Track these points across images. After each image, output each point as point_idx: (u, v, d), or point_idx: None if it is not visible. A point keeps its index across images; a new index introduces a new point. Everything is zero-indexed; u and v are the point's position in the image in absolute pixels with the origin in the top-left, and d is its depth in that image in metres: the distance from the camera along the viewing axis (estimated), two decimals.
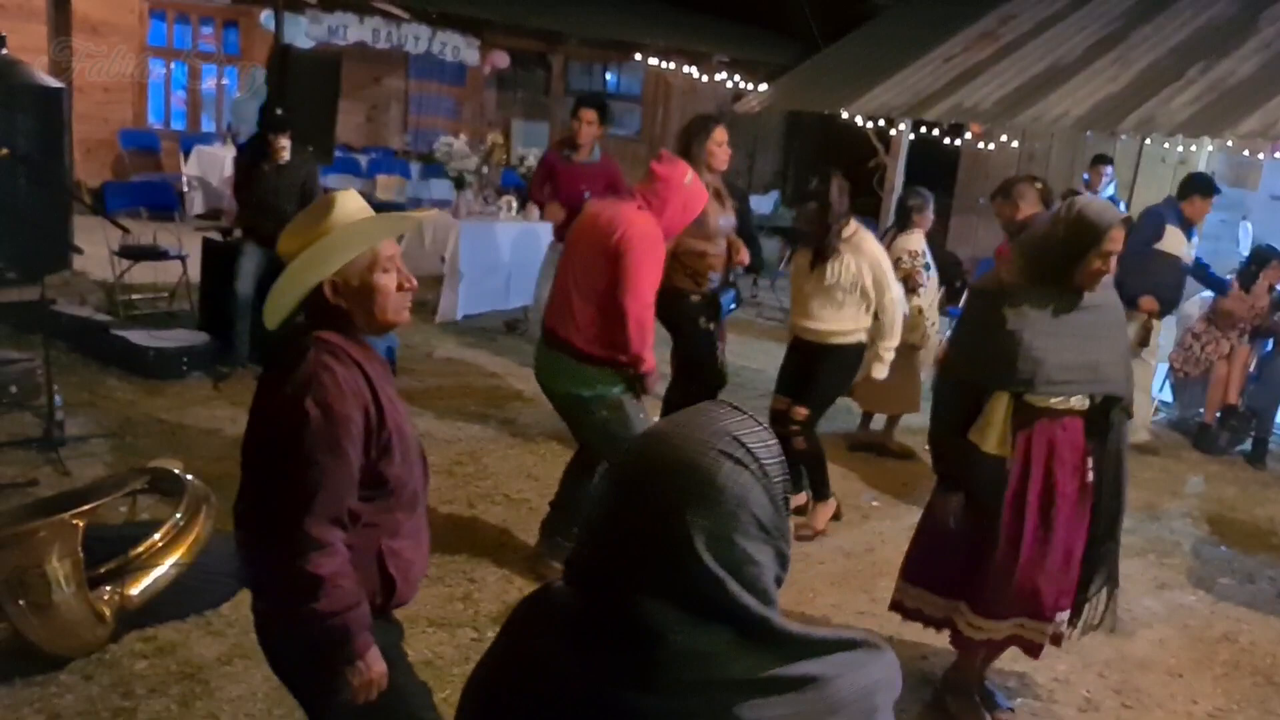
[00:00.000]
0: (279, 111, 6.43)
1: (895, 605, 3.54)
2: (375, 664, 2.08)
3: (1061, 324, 3.14)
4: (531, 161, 8.58)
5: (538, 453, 5.67)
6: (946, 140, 10.24)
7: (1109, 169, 8.63)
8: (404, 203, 10.85)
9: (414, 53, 11.54)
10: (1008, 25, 9.68)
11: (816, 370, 4.82)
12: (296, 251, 2.10)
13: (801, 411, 4.79)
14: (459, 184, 8.35)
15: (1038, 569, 3.22)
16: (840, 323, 4.76)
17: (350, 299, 2.10)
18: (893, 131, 9.57)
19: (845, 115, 9.28)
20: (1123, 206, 6.92)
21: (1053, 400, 3.18)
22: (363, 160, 11.90)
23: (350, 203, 2.16)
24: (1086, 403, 3.22)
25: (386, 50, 11.44)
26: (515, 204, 8.51)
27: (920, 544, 3.49)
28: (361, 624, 2.05)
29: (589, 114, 6.84)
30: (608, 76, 14.05)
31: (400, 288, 2.14)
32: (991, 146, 10.21)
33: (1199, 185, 6.74)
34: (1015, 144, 9.98)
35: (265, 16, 9.78)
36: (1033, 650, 3.34)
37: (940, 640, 3.57)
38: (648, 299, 3.84)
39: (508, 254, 8.34)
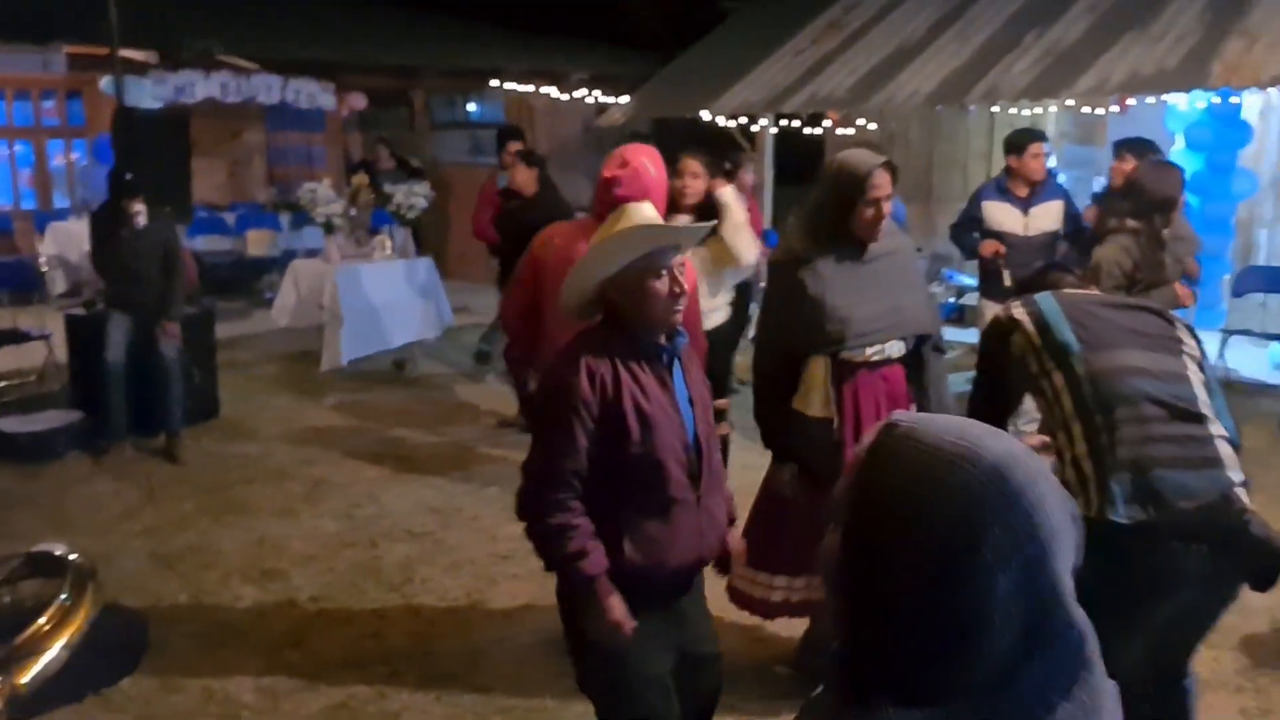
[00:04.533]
0: (128, 176, 6.25)
1: (731, 591, 3.47)
2: (614, 610, 2.33)
3: (857, 278, 3.17)
4: (401, 199, 8.51)
5: (436, 486, 5.60)
6: (808, 130, 10.46)
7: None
8: (277, 256, 10.64)
9: (268, 104, 11.34)
10: (852, 14, 9.96)
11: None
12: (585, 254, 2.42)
13: (723, 403, 4.77)
14: (328, 229, 8.22)
15: None
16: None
17: (627, 298, 2.36)
18: (754, 127, 9.75)
19: (708, 116, 9.42)
20: (1081, 183, 6.42)
21: (869, 352, 3.21)
22: (229, 218, 11.64)
23: (638, 214, 2.44)
24: (902, 348, 3.27)
25: (239, 104, 11.22)
26: (390, 243, 8.42)
27: (760, 525, 3.41)
28: (595, 571, 2.31)
29: (514, 146, 7.09)
30: (470, 106, 14.02)
31: (672, 293, 2.36)
32: (851, 131, 10.46)
33: (1007, 145, 6.07)
34: (874, 126, 10.23)
35: (105, 83, 9.50)
36: None
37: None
38: None
39: (387, 293, 8.22)
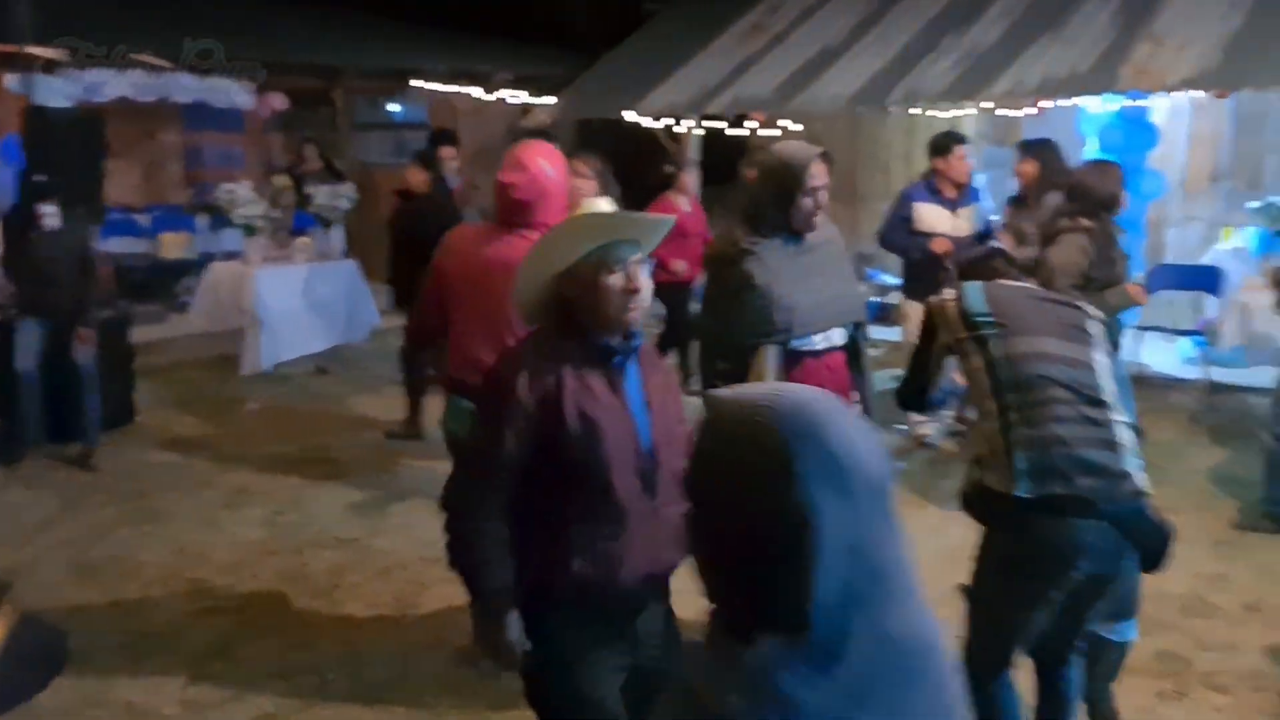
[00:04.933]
0: (38, 177, 6.06)
1: None
2: (507, 629, 2.23)
3: (799, 267, 3.22)
4: (322, 200, 8.38)
5: (363, 490, 5.52)
6: (733, 131, 10.53)
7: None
8: (194, 258, 10.40)
9: (184, 103, 11.06)
10: (774, 16, 10.04)
11: None
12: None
13: None
14: (249, 232, 8.06)
15: None
16: None
17: (579, 295, 2.26)
18: (679, 128, 9.79)
19: (633, 117, 9.43)
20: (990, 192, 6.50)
21: (815, 340, 3.26)
22: (144, 220, 11.33)
23: (593, 205, 2.40)
24: (844, 335, 3.35)
25: (155, 104, 10.92)
26: (312, 245, 8.28)
27: None
28: (493, 584, 2.23)
29: (448, 151, 7.19)
30: (393, 107, 13.84)
31: (626, 290, 2.25)
32: (777, 132, 10.56)
33: (932, 148, 6.15)
34: (798, 127, 10.34)
35: (12, 81, 9.19)
36: None
37: None
38: None
39: (310, 296, 8.09)
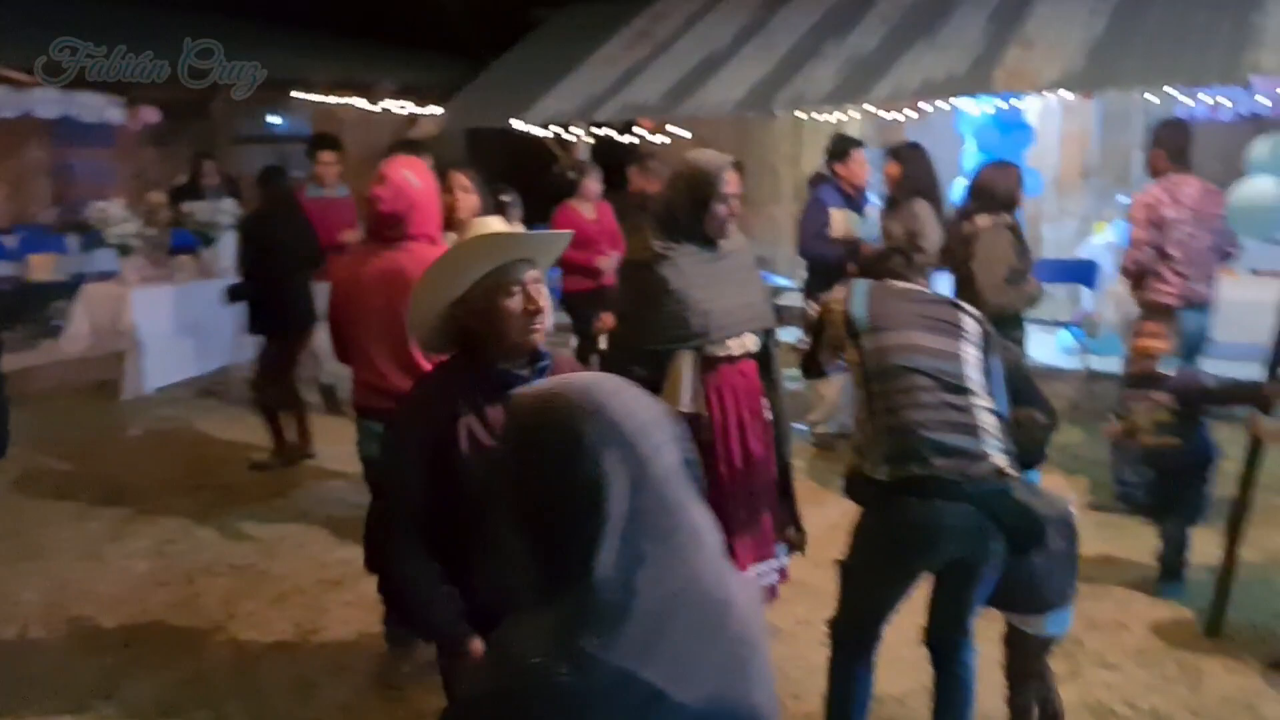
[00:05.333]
0: None
1: None
2: (475, 653, 2.16)
3: (713, 273, 3.26)
4: (201, 217, 8.11)
5: (258, 514, 5.35)
6: (623, 138, 10.56)
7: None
8: (65, 280, 9.96)
9: (47, 118, 10.60)
10: (660, 23, 10.11)
11: None
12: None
13: None
14: (124, 251, 7.75)
15: (759, 509, 3.36)
16: None
17: (479, 320, 2.17)
18: (567, 136, 9.77)
19: (521, 126, 9.38)
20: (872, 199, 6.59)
21: (730, 346, 3.29)
22: (10, 241, 10.82)
23: (484, 225, 2.25)
24: (758, 342, 3.39)
25: (17, 120, 10.44)
26: (195, 263, 8.02)
27: None
28: (443, 618, 2.18)
29: (326, 156, 7.11)
30: (274, 119, 13.50)
31: (527, 311, 2.18)
32: (667, 140, 10.61)
33: (830, 153, 6.29)
34: (687, 133, 10.41)
35: None
36: (773, 592, 3.49)
37: None
38: None
39: (191, 316, 7.82)
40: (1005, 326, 4.67)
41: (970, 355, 2.86)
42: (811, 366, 3.28)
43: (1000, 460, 2.73)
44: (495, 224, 2.31)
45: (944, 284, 4.95)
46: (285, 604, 4.34)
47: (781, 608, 3.80)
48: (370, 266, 3.35)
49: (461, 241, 2.23)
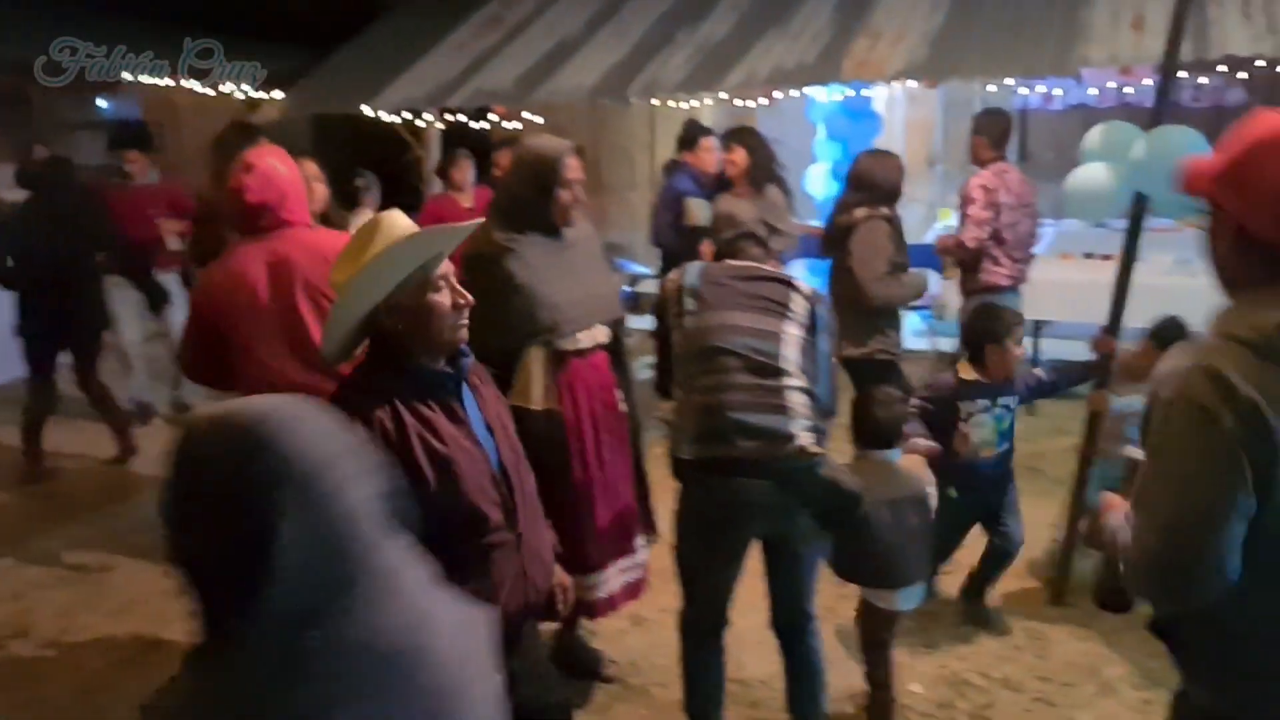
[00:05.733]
0: None
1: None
2: None
3: (559, 264, 3.15)
4: None
5: (98, 522, 5.06)
6: (475, 125, 10.39)
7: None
8: None
9: None
10: (511, 9, 9.98)
11: None
12: (347, 280, 2.05)
13: None
14: None
15: (615, 506, 3.31)
16: None
17: (407, 322, 2.06)
18: (419, 123, 9.56)
19: (369, 112, 9.12)
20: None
21: (581, 339, 3.21)
22: None
23: (397, 222, 2.11)
24: (608, 334, 3.33)
25: None
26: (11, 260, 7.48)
27: None
28: None
29: (132, 156, 6.91)
30: (103, 104, 12.78)
31: (455, 306, 2.10)
32: (519, 126, 10.49)
33: (680, 141, 6.41)
34: (542, 120, 10.32)
35: None
36: (639, 589, 3.46)
37: None
38: None
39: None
40: (881, 317, 4.79)
41: (791, 335, 2.87)
42: (668, 386, 3.14)
43: (805, 439, 2.77)
44: (400, 219, 2.15)
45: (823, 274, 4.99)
46: (127, 616, 4.13)
47: (645, 597, 3.78)
48: (251, 263, 3.08)
49: (391, 243, 2.06)
